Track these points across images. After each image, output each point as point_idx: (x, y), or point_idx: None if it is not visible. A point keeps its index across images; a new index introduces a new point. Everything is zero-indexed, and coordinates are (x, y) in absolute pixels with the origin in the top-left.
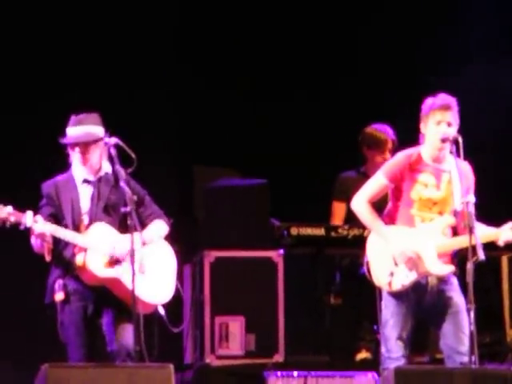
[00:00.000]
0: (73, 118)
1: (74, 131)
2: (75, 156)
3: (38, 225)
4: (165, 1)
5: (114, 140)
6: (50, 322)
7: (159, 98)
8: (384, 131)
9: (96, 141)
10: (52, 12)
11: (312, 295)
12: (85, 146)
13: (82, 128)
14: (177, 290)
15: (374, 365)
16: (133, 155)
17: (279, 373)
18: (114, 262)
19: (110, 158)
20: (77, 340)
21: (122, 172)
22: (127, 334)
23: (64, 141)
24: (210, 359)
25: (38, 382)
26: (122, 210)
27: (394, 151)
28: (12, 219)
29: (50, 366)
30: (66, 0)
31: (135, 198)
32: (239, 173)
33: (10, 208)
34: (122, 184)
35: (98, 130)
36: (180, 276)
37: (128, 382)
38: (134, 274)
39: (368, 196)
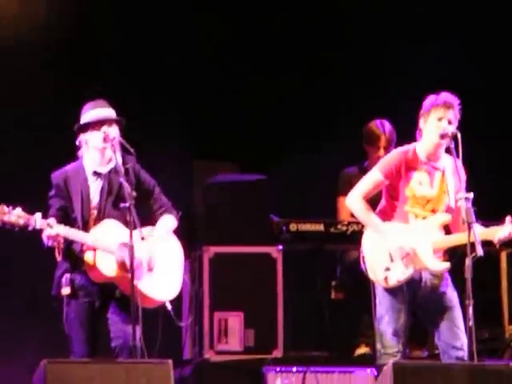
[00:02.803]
0: (89, 103)
1: (100, 111)
2: (94, 138)
3: (50, 229)
4: None
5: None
6: (55, 315)
7: (160, 95)
8: (379, 127)
9: (117, 122)
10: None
11: (311, 291)
12: (110, 124)
13: (105, 109)
14: (184, 284)
15: (372, 360)
16: (131, 150)
17: (278, 368)
18: (125, 268)
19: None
20: (81, 335)
21: (122, 169)
22: (130, 330)
23: (96, 118)
24: (209, 355)
25: (36, 378)
26: (121, 205)
27: (389, 148)
28: (21, 222)
29: (48, 362)
30: None
31: (135, 193)
32: (239, 168)
33: (19, 210)
34: (122, 180)
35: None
36: None
37: (127, 377)
38: (132, 271)
39: (363, 192)
